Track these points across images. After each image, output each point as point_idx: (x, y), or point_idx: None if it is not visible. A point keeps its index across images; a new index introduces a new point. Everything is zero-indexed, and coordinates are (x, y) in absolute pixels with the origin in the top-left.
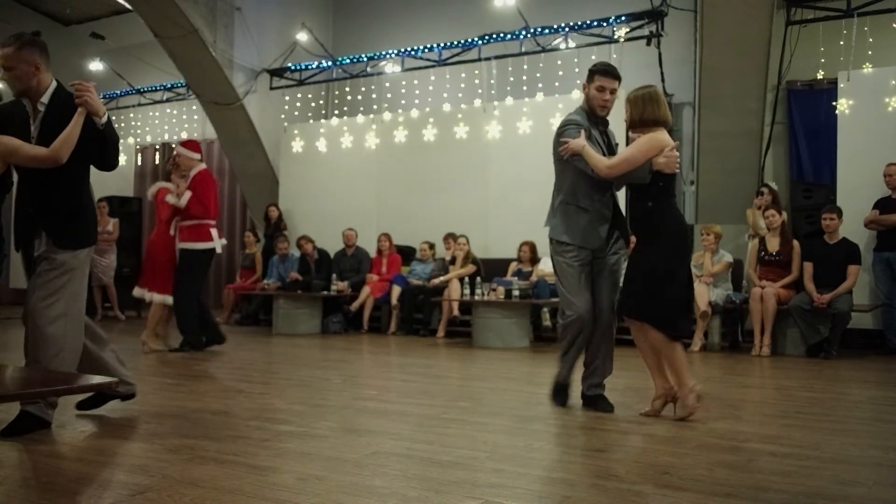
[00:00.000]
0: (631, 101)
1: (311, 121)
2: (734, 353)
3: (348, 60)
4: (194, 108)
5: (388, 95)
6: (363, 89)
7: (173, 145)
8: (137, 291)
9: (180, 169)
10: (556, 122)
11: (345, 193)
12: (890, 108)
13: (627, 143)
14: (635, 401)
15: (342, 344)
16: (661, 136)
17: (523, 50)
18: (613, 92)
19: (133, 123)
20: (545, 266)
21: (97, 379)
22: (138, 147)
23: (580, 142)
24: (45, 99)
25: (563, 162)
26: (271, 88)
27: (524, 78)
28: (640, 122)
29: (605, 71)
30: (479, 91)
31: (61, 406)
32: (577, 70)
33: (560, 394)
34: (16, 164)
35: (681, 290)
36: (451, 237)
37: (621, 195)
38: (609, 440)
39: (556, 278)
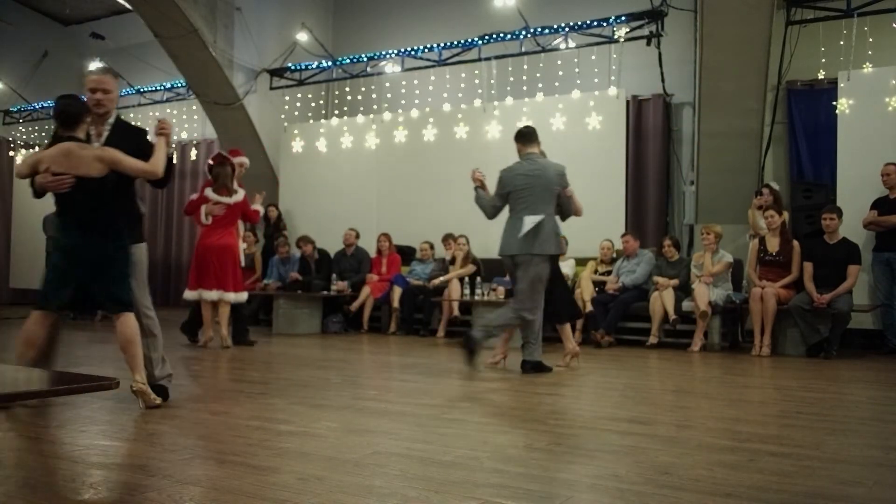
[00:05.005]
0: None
1: (311, 121)
2: (734, 353)
3: (348, 60)
4: (194, 108)
5: (388, 95)
6: (363, 89)
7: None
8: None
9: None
10: (555, 121)
11: (345, 193)
12: (890, 108)
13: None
14: (635, 401)
15: (342, 344)
16: None
17: (523, 50)
18: None
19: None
20: None
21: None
22: None
23: None
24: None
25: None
26: (271, 88)
27: (524, 78)
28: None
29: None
30: (479, 91)
31: (61, 406)
32: (577, 70)
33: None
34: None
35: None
36: (450, 237)
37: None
38: (609, 440)
39: (535, 286)
